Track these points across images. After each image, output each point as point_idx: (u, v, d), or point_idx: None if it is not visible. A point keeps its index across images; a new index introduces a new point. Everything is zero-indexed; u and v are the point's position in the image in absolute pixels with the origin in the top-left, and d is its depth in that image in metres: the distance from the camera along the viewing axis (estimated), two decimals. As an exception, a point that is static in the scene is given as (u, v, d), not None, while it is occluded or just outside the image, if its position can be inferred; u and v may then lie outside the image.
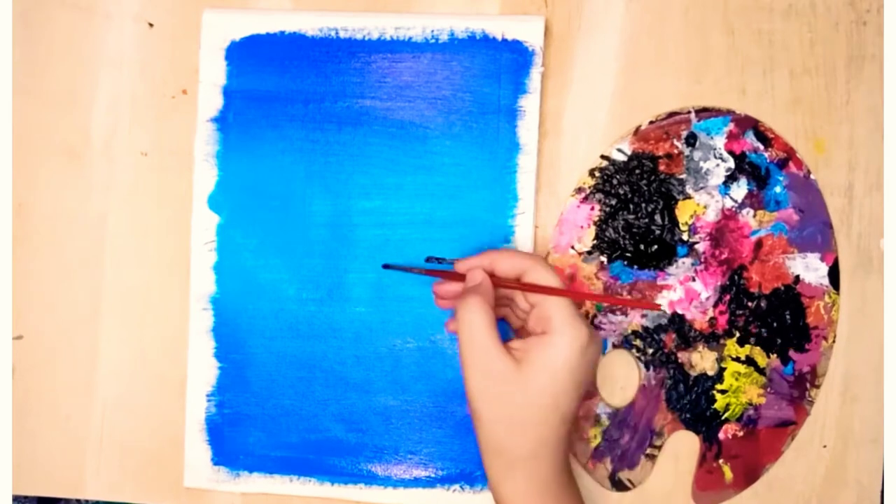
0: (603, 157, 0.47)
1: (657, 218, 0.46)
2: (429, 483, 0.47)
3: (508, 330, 0.45)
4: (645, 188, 0.46)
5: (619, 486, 0.47)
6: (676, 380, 0.47)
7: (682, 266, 0.46)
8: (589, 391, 0.47)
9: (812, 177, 0.46)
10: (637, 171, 0.47)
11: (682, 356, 0.47)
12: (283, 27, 0.47)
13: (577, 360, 0.39)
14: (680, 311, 0.46)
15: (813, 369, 0.46)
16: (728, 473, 0.47)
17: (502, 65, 0.46)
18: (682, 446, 0.47)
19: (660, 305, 0.46)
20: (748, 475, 0.47)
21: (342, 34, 0.47)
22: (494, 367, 0.39)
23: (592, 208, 0.47)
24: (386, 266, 0.45)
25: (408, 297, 0.47)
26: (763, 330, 0.46)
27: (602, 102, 0.47)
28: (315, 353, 0.47)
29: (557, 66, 0.47)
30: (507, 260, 0.41)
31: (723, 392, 0.47)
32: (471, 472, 0.47)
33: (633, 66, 0.47)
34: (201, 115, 0.47)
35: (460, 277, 0.42)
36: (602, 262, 0.47)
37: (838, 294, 0.46)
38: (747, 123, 0.46)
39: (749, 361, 0.46)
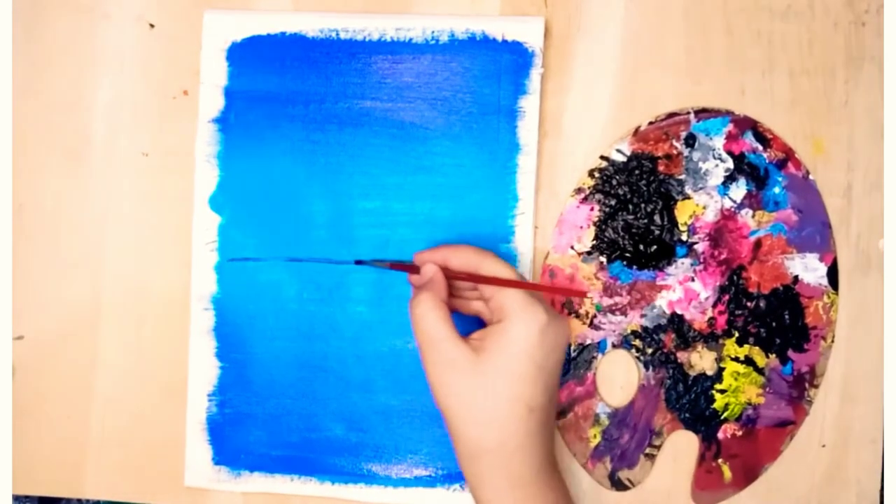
0: (602, 157, 0.47)
1: (656, 218, 0.47)
2: (429, 482, 0.47)
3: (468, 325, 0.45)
4: (644, 189, 0.47)
5: (618, 485, 0.47)
6: (676, 379, 0.47)
7: (682, 266, 0.47)
8: (588, 390, 0.47)
9: (811, 177, 0.46)
10: (636, 172, 0.47)
11: (682, 356, 0.47)
12: (283, 28, 0.47)
13: (534, 344, 0.39)
14: (679, 312, 0.47)
15: (812, 369, 0.47)
16: (727, 473, 0.47)
17: (502, 66, 0.46)
18: (681, 446, 0.47)
19: (586, 292, 0.45)
20: (747, 475, 0.47)
21: (343, 35, 0.47)
22: (451, 356, 0.39)
23: (592, 209, 0.47)
24: (358, 262, 0.46)
25: (408, 296, 0.47)
26: (762, 330, 0.47)
27: (602, 103, 0.47)
28: (316, 352, 0.47)
29: (557, 66, 0.47)
30: (461, 255, 0.42)
31: (722, 392, 0.47)
32: (471, 472, 0.47)
33: (633, 67, 0.47)
34: (202, 116, 0.47)
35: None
36: (601, 263, 0.47)
37: (837, 294, 0.47)
38: (746, 124, 0.46)
39: (748, 361, 0.47)
